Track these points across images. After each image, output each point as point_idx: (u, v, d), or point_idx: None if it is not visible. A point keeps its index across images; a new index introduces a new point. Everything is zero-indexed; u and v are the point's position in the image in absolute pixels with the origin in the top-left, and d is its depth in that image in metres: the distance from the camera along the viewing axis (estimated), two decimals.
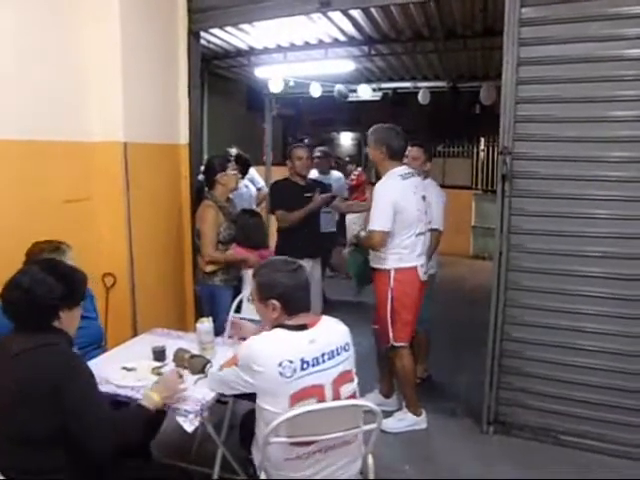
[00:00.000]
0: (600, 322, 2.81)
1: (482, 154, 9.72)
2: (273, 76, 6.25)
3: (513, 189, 2.91)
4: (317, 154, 5.87)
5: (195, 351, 2.36)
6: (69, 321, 1.82)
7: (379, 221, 2.95)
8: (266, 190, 6.22)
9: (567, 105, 2.80)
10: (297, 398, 1.77)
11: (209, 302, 3.47)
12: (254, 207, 5.58)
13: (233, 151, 5.47)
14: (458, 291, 6.18)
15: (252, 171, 5.75)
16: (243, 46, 5.44)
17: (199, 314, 3.76)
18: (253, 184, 5.66)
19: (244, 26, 4.58)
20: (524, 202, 2.92)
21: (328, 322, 1.96)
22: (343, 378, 1.89)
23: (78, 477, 1.72)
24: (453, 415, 3.32)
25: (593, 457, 2.84)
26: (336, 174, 6.15)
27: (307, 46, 5.39)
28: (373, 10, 4.38)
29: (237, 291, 3.44)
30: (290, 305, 1.90)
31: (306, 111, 10.76)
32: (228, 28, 4.58)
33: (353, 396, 1.93)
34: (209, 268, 3.42)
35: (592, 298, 2.81)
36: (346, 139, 12.59)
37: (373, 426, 1.87)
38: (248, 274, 3.41)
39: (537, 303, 2.93)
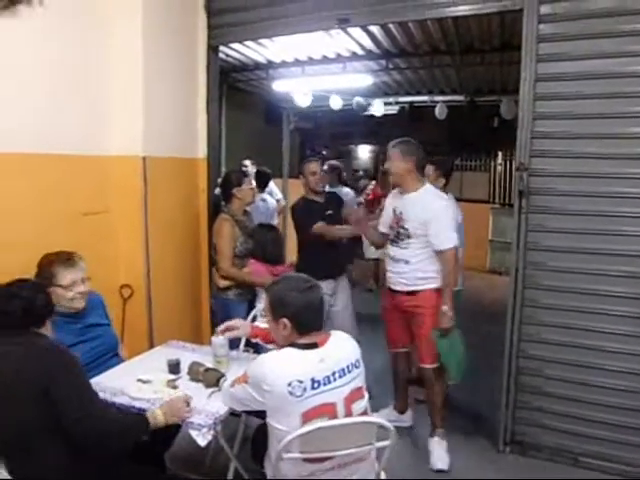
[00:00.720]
0: (621, 342, 2.76)
1: (500, 168, 9.67)
2: (292, 89, 6.30)
3: (530, 205, 2.89)
4: (325, 167, 5.89)
5: (210, 364, 2.37)
6: (47, 330, 1.96)
7: (453, 235, 2.86)
8: (284, 202, 6.30)
9: (584, 121, 2.78)
10: (309, 417, 1.77)
11: (223, 316, 3.47)
12: (275, 219, 5.66)
13: (247, 162, 5.55)
14: (476, 305, 6.11)
15: (271, 184, 5.82)
16: (261, 60, 5.50)
17: (214, 327, 3.78)
18: (272, 196, 5.72)
19: (263, 40, 4.64)
20: (541, 218, 2.89)
21: (337, 339, 1.96)
22: (354, 395, 1.88)
23: None
24: (469, 434, 3.27)
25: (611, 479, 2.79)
26: (345, 190, 6.08)
27: (325, 60, 5.43)
28: (391, 26, 4.41)
29: (251, 305, 3.46)
30: (301, 325, 1.89)
31: (324, 124, 10.84)
32: (247, 42, 4.64)
33: (365, 412, 1.93)
34: (223, 283, 3.43)
35: (612, 317, 2.77)
36: (364, 152, 12.65)
37: (386, 443, 1.86)
38: (262, 289, 3.44)
39: (555, 321, 2.89)
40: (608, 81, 2.71)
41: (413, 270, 2.92)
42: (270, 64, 5.65)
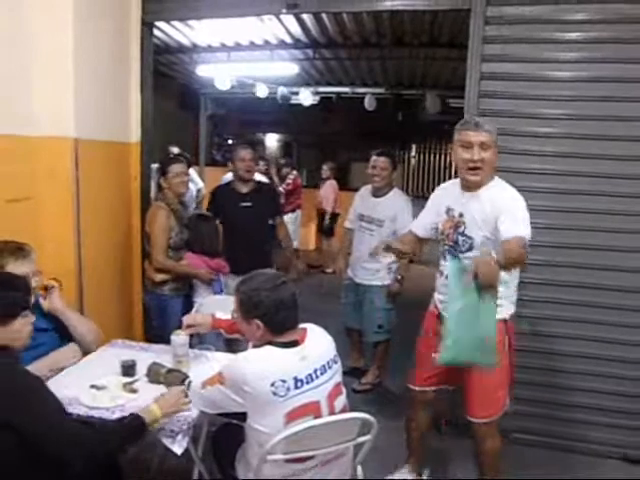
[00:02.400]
0: (547, 326, 3.00)
1: (413, 160, 10.03)
2: (215, 75, 6.08)
3: None
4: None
5: (169, 364, 2.22)
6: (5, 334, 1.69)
7: (529, 228, 2.07)
8: (204, 192, 6.08)
9: (520, 120, 2.95)
10: (292, 417, 1.72)
11: (159, 312, 3.28)
12: (193, 208, 5.45)
13: (175, 150, 5.29)
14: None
15: (191, 171, 5.58)
16: (186, 42, 5.23)
17: (148, 324, 3.55)
18: (193, 184, 5.50)
19: (191, 22, 4.41)
20: None
21: (315, 334, 1.91)
22: (336, 391, 1.86)
23: None
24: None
25: (539, 452, 3.00)
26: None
27: (252, 46, 5.30)
28: (324, 15, 4.38)
29: (188, 300, 3.29)
30: (274, 326, 1.82)
31: (235, 111, 10.53)
32: (174, 22, 4.39)
33: (344, 408, 1.91)
34: (160, 277, 3.22)
35: (541, 303, 2.99)
36: (271, 140, 12.50)
37: (367, 437, 1.86)
38: (199, 283, 3.29)
39: None
40: (539, 84, 2.90)
41: None
42: (195, 48, 5.39)
